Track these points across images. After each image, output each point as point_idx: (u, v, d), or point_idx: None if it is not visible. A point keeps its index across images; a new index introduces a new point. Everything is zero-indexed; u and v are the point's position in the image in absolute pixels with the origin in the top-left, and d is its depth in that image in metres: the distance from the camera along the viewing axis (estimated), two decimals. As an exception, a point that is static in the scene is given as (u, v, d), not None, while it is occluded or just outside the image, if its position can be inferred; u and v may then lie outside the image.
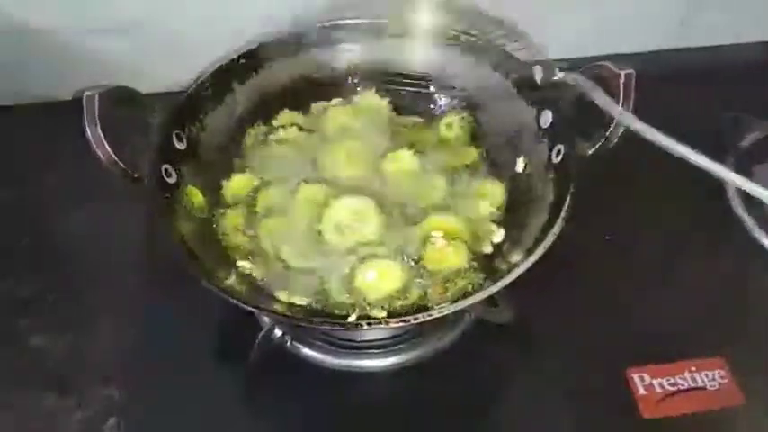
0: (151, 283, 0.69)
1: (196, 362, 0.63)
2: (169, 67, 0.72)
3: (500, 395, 0.63)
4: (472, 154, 0.67)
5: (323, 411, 0.60)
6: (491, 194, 0.64)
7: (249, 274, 0.59)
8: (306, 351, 0.61)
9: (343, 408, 0.60)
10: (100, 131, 0.51)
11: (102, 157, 0.52)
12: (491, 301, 0.58)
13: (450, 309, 0.49)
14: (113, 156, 0.52)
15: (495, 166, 0.66)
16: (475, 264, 0.59)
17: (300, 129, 0.68)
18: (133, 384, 0.63)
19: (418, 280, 0.57)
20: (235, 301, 0.49)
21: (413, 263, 0.58)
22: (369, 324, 0.48)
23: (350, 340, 0.61)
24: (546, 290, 0.60)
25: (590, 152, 0.54)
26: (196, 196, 0.61)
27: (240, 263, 0.59)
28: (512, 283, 0.50)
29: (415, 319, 0.48)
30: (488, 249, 0.60)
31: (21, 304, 0.69)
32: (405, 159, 0.64)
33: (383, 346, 0.61)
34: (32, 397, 0.63)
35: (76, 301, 0.70)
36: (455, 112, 0.69)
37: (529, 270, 0.50)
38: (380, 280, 0.56)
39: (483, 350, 0.64)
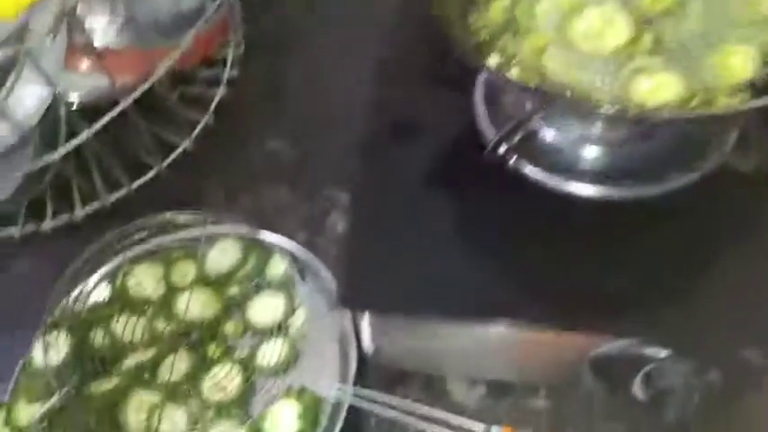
0: (381, 98, 0.70)
1: (419, 173, 0.63)
2: None
3: (720, 248, 0.56)
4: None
5: (532, 229, 0.57)
6: None
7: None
8: (529, 169, 0.57)
9: (552, 229, 0.57)
10: None
11: None
12: (743, 142, 0.52)
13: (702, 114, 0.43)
14: None
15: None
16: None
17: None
18: (356, 190, 0.65)
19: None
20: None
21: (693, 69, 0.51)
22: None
23: (574, 164, 0.57)
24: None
25: None
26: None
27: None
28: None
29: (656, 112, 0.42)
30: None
31: (260, 107, 0.75)
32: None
33: (609, 175, 0.57)
34: (266, 188, 0.68)
35: (310, 110, 0.74)
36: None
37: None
38: (658, 89, 0.51)
39: (719, 197, 0.57)
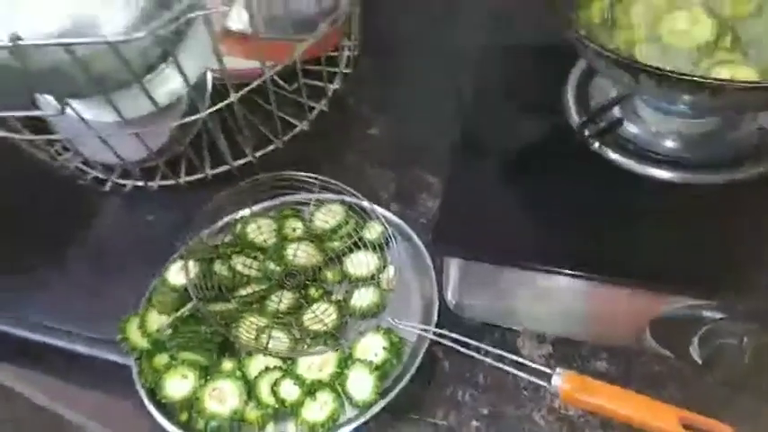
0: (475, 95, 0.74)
1: (510, 151, 0.67)
2: None
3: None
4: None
5: (608, 203, 0.60)
6: None
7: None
8: (611, 155, 0.61)
9: (627, 204, 0.60)
10: None
11: None
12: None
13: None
14: None
15: None
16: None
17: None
18: (439, 169, 0.75)
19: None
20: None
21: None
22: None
23: (654, 152, 0.62)
24: None
25: None
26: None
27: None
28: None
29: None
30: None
31: (367, 99, 0.86)
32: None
33: (684, 164, 0.61)
34: (367, 167, 0.78)
35: (411, 106, 0.85)
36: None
37: None
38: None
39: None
